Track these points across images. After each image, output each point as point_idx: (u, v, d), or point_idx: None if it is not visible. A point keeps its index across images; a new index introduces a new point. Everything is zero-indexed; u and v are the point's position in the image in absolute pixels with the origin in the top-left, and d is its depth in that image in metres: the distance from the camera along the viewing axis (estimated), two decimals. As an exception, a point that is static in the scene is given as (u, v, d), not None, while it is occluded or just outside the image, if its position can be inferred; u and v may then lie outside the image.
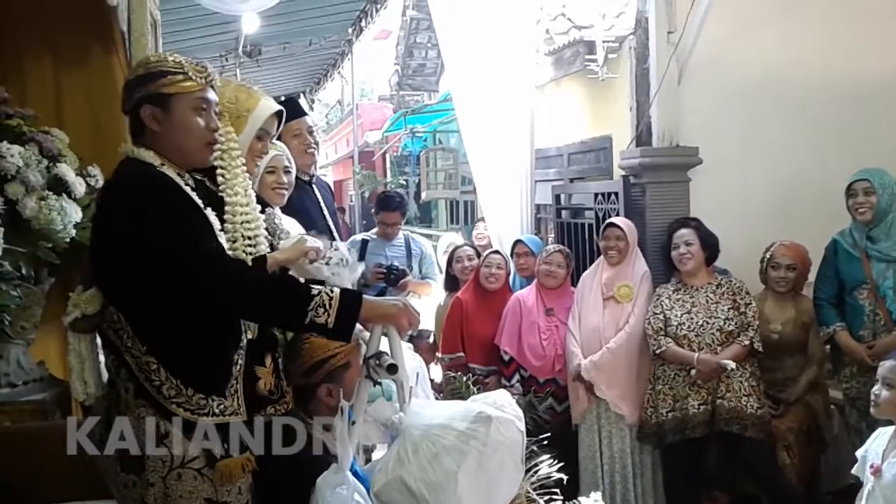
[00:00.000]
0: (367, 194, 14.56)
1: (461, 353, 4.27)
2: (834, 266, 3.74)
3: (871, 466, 2.42)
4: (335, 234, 3.48)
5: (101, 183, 2.73)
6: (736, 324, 3.73)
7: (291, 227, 2.79)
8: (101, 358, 1.95)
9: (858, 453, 2.51)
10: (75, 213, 2.65)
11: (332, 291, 1.78)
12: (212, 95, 1.92)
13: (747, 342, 3.70)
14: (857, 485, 3.63)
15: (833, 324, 3.69)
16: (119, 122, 2.57)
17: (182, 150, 1.89)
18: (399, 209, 4.89)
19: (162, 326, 1.79)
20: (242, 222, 2.00)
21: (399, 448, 1.67)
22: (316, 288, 1.79)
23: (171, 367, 1.79)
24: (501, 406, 1.73)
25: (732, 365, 3.62)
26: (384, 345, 1.88)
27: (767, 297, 3.95)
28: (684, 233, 3.87)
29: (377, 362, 1.80)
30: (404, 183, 12.25)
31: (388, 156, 14.51)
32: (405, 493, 1.61)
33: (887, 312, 3.52)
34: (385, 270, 4.50)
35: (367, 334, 1.98)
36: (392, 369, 1.75)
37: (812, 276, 3.99)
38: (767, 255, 3.94)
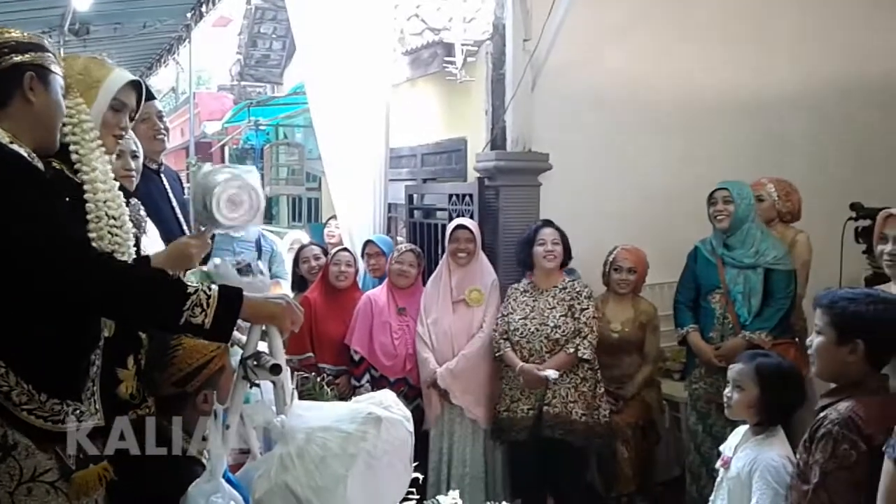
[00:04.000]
0: (202, 187, 13.88)
1: (310, 354, 4.17)
2: (693, 271, 3.97)
3: (722, 459, 2.59)
4: (183, 227, 3.30)
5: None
6: (564, 332, 3.82)
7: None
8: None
9: (721, 448, 2.68)
10: None
11: (209, 289, 1.66)
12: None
13: (572, 350, 3.79)
14: (683, 476, 3.94)
15: (687, 325, 3.92)
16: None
17: (47, 130, 1.76)
18: None
19: (11, 325, 1.61)
20: (105, 201, 1.84)
21: (282, 452, 1.59)
22: (192, 285, 1.66)
23: (22, 371, 1.60)
24: (389, 406, 1.69)
25: (554, 375, 3.70)
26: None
27: (609, 299, 4.15)
28: (552, 231, 3.97)
29: (256, 363, 1.71)
30: (244, 177, 11.82)
31: (227, 148, 13.96)
32: (290, 500, 1.53)
33: (736, 316, 3.77)
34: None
35: (239, 335, 1.88)
36: (275, 370, 1.66)
37: (650, 279, 4.26)
38: (610, 259, 4.14)
